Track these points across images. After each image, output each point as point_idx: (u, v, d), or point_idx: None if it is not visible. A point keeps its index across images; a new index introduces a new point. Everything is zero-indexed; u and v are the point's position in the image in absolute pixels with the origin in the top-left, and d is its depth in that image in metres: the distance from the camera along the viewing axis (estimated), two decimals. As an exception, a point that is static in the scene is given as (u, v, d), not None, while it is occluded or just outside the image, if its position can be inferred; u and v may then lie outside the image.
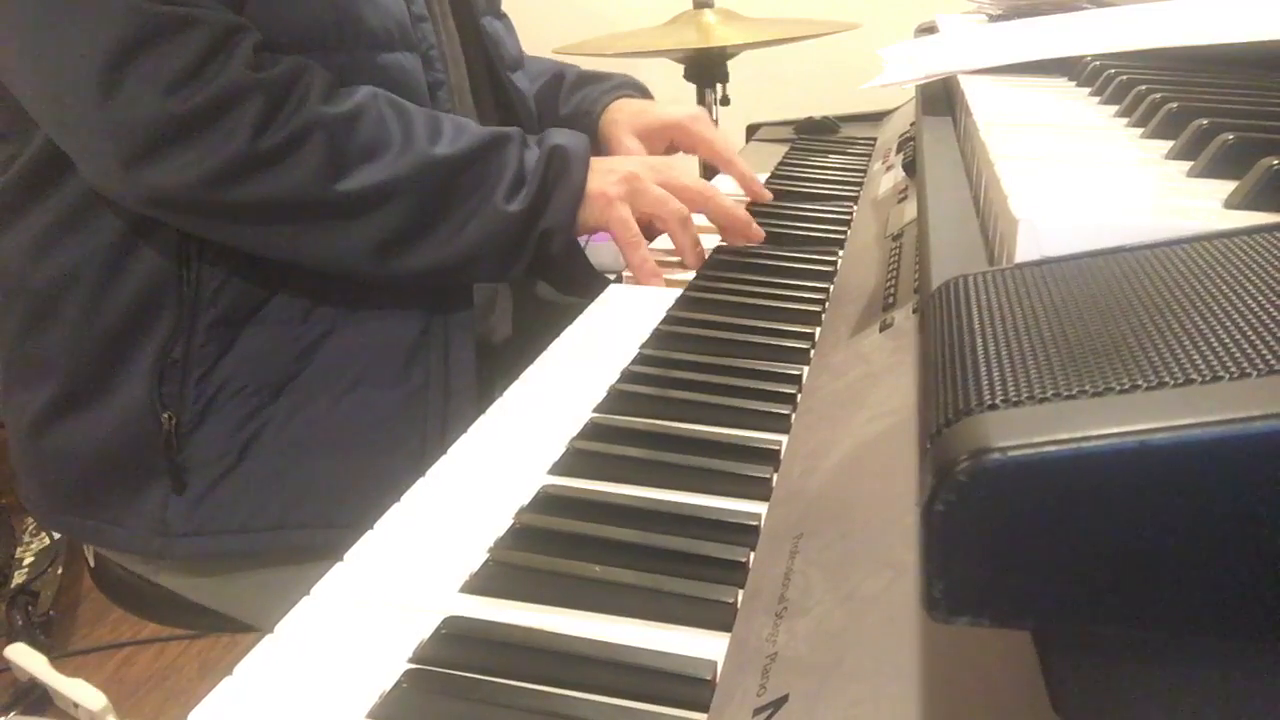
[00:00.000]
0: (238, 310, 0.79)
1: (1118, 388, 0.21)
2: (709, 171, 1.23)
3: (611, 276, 0.91)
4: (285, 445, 0.80)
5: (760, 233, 0.90)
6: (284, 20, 0.77)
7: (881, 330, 0.58)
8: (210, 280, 0.78)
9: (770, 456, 0.53)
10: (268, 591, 0.82)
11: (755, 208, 1.02)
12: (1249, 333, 0.23)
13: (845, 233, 0.92)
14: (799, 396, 0.60)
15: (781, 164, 1.21)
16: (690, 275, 0.85)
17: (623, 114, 1.08)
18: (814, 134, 1.39)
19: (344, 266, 0.79)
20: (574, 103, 1.11)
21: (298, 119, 0.73)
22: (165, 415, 0.78)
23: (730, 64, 1.81)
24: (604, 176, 0.85)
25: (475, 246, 0.80)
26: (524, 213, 0.80)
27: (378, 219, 0.76)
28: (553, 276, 1.07)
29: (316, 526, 0.80)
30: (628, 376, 0.64)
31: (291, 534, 0.80)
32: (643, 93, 1.14)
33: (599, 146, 1.08)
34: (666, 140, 1.09)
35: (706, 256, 0.89)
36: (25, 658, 1.38)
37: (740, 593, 0.42)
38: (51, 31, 0.70)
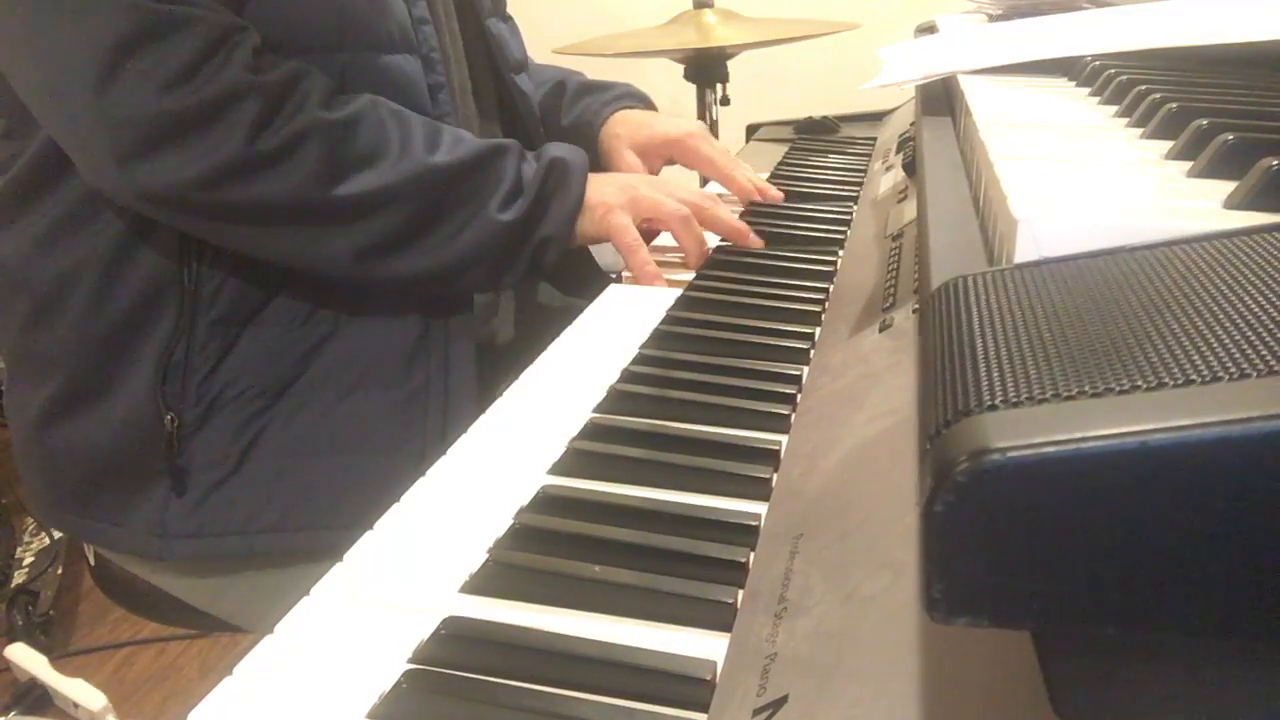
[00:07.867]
0: (238, 311, 0.79)
1: (1117, 388, 0.21)
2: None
3: (613, 276, 0.91)
4: (286, 447, 0.80)
5: (759, 241, 0.91)
6: (285, 21, 0.77)
7: (881, 330, 0.58)
8: (209, 280, 0.78)
9: (770, 456, 0.53)
10: (266, 594, 0.82)
11: (755, 207, 1.02)
12: (1248, 333, 0.23)
13: (845, 233, 0.92)
14: (799, 397, 0.60)
15: (781, 164, 1.21)
16: (690, 275, 0.85)
17: (624, 127, 1.08)
18: (814, 134, 1.39)
19: (329, 269, 0.79)
20: (575, 113, 1.11)
21: (295, 123, 0.73)
22: (168, 417, 0.78)
23: (730, 64, 1.81)
24: (602, 187, 0.86)
25: (466, 255, 0.80)
26: (519, 222, 0.81)
27: (370, 225, 0.77)
28: (555, 277, 1.07)
29: (316, 528, 0.80)
30: (628, 376, 0.64)
31: (291, 536, 0.80)
32: (645, 103, 1.14)
33: (598, 158, 1.07)
34: (665, 156, 1.08)
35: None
36: (25, 658, 1.38)
37: (740, 593, 0.42)
38: (53, 25, 0.70)
